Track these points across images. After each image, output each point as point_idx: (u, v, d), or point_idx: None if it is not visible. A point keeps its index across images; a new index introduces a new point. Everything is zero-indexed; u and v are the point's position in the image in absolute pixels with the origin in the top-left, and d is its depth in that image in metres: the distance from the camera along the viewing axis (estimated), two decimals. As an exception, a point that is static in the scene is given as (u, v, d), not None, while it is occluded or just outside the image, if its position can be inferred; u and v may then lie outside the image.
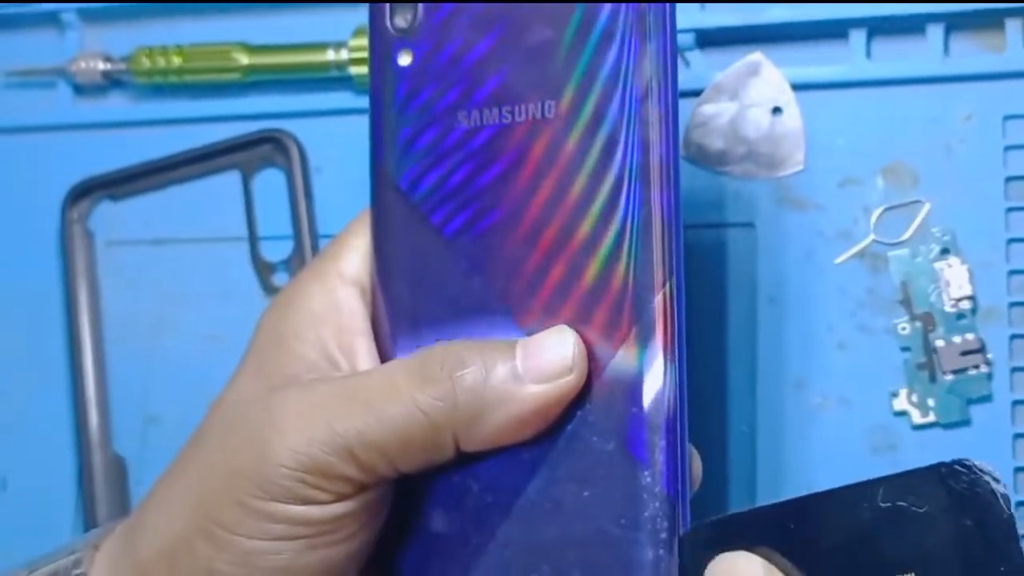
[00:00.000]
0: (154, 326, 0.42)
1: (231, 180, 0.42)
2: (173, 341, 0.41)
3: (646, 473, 0.24)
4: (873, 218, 0.36)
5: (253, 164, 0.41)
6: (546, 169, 0.26)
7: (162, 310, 0.42)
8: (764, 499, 0.34)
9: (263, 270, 0.41)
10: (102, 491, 0.40)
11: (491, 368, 0.25)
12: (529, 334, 0.25)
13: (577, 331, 0.25)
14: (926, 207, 0.36)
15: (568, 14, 0.26)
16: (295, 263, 0.40)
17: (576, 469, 0.25)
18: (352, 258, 0.28)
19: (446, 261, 0.27)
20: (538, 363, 0.25)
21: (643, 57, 0.25)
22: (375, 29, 0.28)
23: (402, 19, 0.27)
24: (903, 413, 0.35)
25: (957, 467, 0.22)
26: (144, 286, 0.42)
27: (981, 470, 0.22)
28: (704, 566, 0.23)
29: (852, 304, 0.36)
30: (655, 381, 0.24)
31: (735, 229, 0.37)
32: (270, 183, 0.42)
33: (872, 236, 0.36)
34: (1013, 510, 0.22)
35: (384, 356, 0.27)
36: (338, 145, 0.41)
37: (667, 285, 0.25)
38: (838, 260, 0.37)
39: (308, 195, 0.41)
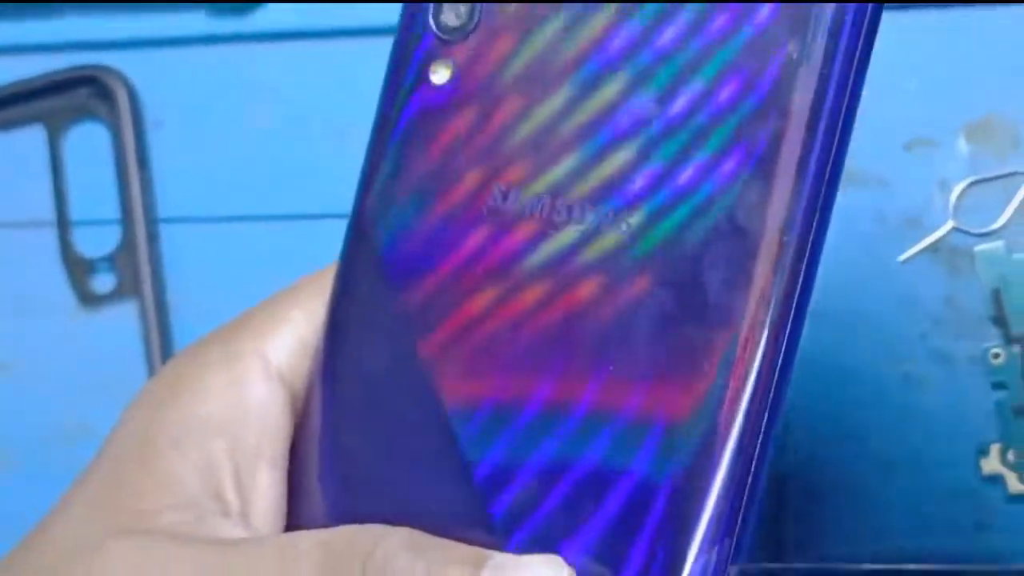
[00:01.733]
0: None
1: (31, 138, 0.36)
2: None
3: None
4: (954, 196, 0.31)
5: (64, 115, 0.35)
6: (592, 307, 0.20)
7: None
8: None
9: (76, 269, 0.35)
10: None
11: None
12: (509, 539, 0.20)
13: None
14: None
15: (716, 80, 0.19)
16: (122, 260, 0.34)
17: None
18: (284, 337, 0.22)
19: (419, 383, 0.21)
20: None
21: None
22: (408, 18, 0.22)
23: (453, 15, 0.21)
24: (994, 477, 0.30)
25: None
26: None
27: None
28: None
29: (924, 320, 0.31)
30: None
31: None
32: (88, 142, 0.35)
33: (952, 223, 0.31)
34: None
35: (297, 507, 0.22)
36: (186, 89, 0.35)
37: (725, 544, 0.19)
38: (903, 257, 0.31)
39: (142, 161, 0.35)
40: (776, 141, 0.19)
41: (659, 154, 0.20)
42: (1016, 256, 0.30)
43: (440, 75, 0.21)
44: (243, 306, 0.28)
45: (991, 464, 0.30)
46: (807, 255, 0.19)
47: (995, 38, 0.31)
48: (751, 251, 0.19)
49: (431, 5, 0.21)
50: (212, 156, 0.35)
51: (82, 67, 0.35)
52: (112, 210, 0.35)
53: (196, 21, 0.35)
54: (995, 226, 0.30)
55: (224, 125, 0.35)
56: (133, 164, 0.34)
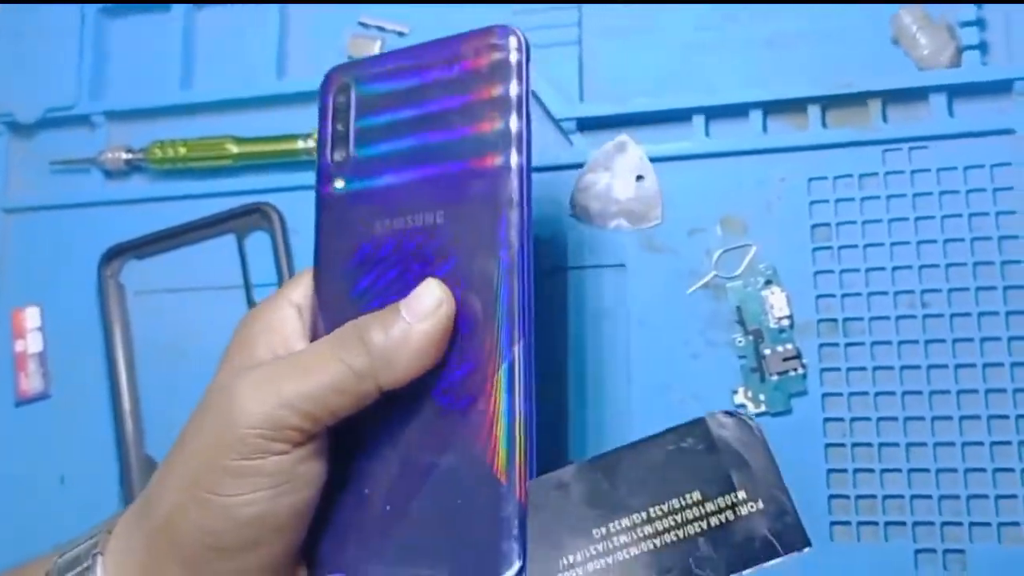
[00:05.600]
0: (173, 355, 0.43)
1: (228, 241, 0.44)
2: (188, 366, 0.43)
3: (504, 488, 0.26)
4: (714, 258, 0.38)
5: (245, 229, 0.43)
6: (431, 267, 0.29)
7: (179, 342, 0.43)
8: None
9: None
10: (138, 484, 0.42)
11: (389, 325, 0.27)
12: None
13: (460, 366, 0.28)
14: (753, 249, 0.38)
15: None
16: None
17: (457, 484, 0.27)
18: (298, 291, 0.31)
19: (353, 307, 0.30)
20: (418, 307, 0.27)
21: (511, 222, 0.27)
22: (321, 160, 0.31)
23: (339, 155, 0.31)
24: (741, 405, 0.37)
25: (719, 414, 0.26)
26: (165, 324, 0.44)
27: (739, 414, 0.26)
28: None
29: (701, 324, 0.38)
30: (517, 416, 0.27)
31: (611, 269, 0.39)
32: (258, 243, 0.43)
33: (714, 272, 0.38)
34: (764, 436, 0.25)
35: None
36: (310, 212, 0.37)
37: (520, 343, 0.27)
38: (689, 291, 0.38)
39: (288, 252, 0.43)
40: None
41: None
42: (748, 289, 0.37)
43: (338, 184, 0.31)
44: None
45: (739, 398, 0.37)
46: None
47: (733, 175, 0.38)
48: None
49: (328, 149, 0.31)
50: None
51: (254, 203, 0.43)
52: (272, 277, 0.42)
53: (312, 176, 0.37)
54: (736, 273, 0.38)
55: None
56: (282, 252, 0.42)
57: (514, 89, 0.28)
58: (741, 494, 0.25)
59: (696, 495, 0.25)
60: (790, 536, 0.24)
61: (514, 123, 0.28)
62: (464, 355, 0.28)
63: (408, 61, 0.30)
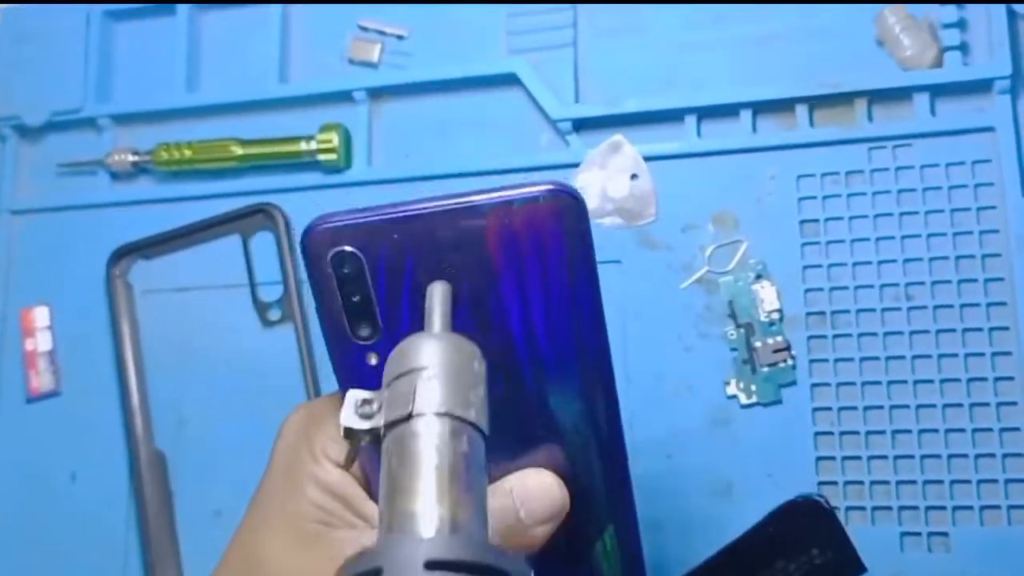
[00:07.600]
0: (181, 352, 0.44)
1: (234, 241, 0.44)
2: (195, 362, 0.44)
3: None
4: (707, 253, 0.39)
5: (250, 229, 0.44)
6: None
7: (186, 340, 0.44)
8: (639, 454, 0.37)
9: (261, 308, 0.43)
10: (148, 478, 0.43)
11: (502, 522, 0.24)
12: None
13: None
14: (744, 244, 0.39)
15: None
16: (285, 301, 0.43)
17: None
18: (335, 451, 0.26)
19: None
20: (538, 510, 0.25)
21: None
22: (338, 339, 0.25)
23: (364, 330, 0.25)
24: (733, 396, 0.38)
25: (799, 499, 0.34)
26: (172, 323, 0.45)
27: (811, 496, 0.33)
28: None
29: (694, 317, 0.39)
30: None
31: (608, 265, 0.39)
32: (263, 242, 0.44)
33: (707, 267, 0.39)
34: (831, 506, 0.33)
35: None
36: (312, 212, 0.36)
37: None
38: (683, 285, 0.39)
39: (292, 250, 0.43)
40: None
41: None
42: (740, 284, 0.38)
43: (372, 360, 0.24)
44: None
45: (731, 389, 0.38)
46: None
47: (724, 173, 0.39)
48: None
49: (345, 326, 0.24)
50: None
51: (258, 204, 0.44)
52: (277, 276, 0.43)
53: (315, 177, 0.44)
54: (728, 268, 0.39)
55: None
56: (286, 252, 0.43)
57: (575, 253, 0.24)
58: (815, 551, 0.33)
59: (781, 563, 0.34)
60: (851, 565, 0.33)
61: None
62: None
63: (420, 210, 0.24)
